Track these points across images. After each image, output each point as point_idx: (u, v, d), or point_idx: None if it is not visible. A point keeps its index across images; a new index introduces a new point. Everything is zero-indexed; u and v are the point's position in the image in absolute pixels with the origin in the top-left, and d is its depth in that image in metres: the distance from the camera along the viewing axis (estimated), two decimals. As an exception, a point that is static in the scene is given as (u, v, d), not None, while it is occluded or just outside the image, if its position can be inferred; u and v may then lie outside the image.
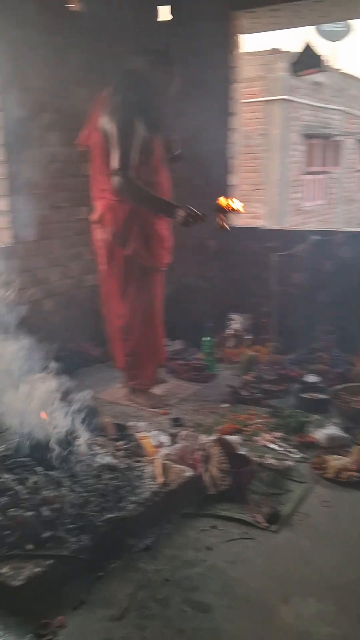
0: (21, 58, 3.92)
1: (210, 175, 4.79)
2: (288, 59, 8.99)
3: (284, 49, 10.25)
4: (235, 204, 3.44)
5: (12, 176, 4.08)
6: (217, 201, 3.42)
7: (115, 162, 3.39)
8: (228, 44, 4.65)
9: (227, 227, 3.45)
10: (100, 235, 3.72)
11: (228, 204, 3.41)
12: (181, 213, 3.38)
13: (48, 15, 4.06)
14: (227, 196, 3.60)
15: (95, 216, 3.71)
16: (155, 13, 4.81)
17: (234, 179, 4.98)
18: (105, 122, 3.45)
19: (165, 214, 3.55)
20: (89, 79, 4.12)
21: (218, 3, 4.49)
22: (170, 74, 3.55)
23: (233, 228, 4.87)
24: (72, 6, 4.36)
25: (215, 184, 4.69)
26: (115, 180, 3.40)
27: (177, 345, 4.73)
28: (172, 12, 4.77)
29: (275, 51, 10.31)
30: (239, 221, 4.92)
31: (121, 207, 3.55)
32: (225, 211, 3.41)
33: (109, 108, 3.45)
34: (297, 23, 4.68)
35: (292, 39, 16.18)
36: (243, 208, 3.46)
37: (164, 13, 4.63)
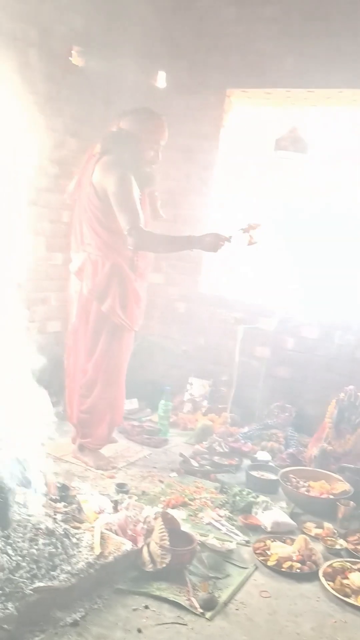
0: (18, 101, 3.95)
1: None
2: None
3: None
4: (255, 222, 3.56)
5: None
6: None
7: (125, 220, 3.37)
8: (217, 118, 4.79)
9: (255, 241, 3.53)
10: (76, 287, 3.68)
11: (252, 224, 3.53)
12: (209, 239, 3.44)
13: (50, 65, 4.15)
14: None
15: (74, 267, 3.68)
16: (154, 78, 4.93)
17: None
18: (102, 180, 3.45)
19: (194, 247, 3.53)
20: (81, 131, 4.16)
21: (214, 78, 4.65)
22: (155, 133, 3.60)
23: (203, 294, 4.91)
24: (75, 60, 4.45)
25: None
26: (132, 237, 3.37)
27: (133, 404, 4.65)
28: (168, 80, 4.90)
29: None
30: (209, 288, 4.96)
31: (103, 262, 3.53)
32: (252, 229, 3.50)
33: (104, 166, 3.47)
34: (288, 106, 4.85)
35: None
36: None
37: (161, 80, 4.73)
